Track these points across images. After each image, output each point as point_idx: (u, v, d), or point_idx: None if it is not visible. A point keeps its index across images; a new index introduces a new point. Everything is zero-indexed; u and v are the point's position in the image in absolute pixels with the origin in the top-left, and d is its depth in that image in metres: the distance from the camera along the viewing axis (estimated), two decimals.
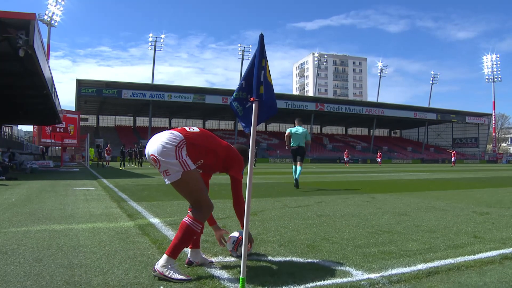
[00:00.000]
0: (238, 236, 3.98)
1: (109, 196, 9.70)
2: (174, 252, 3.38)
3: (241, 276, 3.03)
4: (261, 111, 3.25)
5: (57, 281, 3.24)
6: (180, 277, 3.26)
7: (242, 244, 3.75)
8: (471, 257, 4.06)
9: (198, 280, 3.30)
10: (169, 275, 3.25)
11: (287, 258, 4.00)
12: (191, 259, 3.75)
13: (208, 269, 3.61)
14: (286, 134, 12.86)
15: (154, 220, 6.18)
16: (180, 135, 3.46)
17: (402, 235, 5.24)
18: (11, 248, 4.33)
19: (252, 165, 3.32)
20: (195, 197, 3.48)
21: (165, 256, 3.36)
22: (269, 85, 3.27)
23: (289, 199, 9.28)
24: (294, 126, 12.86)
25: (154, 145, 3.40)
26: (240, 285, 3.01)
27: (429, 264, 3.80)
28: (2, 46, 17.24)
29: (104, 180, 15.85)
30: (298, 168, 12.48)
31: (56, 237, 4.93)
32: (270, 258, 4.02)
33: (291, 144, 12.69)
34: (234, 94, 3.37)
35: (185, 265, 3.74)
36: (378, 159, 58.43)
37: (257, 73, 3.21)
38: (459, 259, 4.00)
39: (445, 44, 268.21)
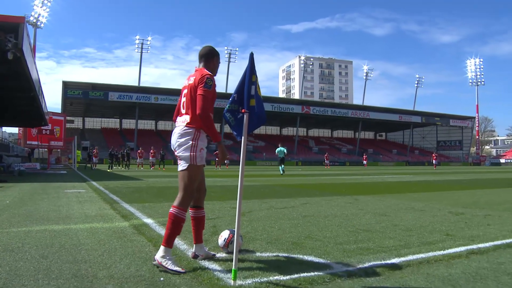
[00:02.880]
0: (229, 234, 4.34)
1: (101, 198, 9.97)
2: (169, 241, 3.83)
3: (233, 268, 3.40)
4: (252, 121, 3.67)
5: (66, 274, 3.57)
6: (176, 268, 3.66)
7: (232, 241, 4.15)
8: (441, 252, 4.49)
9: (193, 272, 3.68)
10: (167, 265, 3.67)
11: (274, 254, 4.38)
12: (196, 253, 4.18)
13: (203, 263, 3.98)
14: (276, 152, 28.10)
15: (148, 221, 6.50)
16: (193, 128, 3.95)
17: (380, 233, 5.65)
18: (16, 247, 4.63)
19: (243, 168, 3.70)
20: (186, 186, 3.95)
21: (162, 247, 3.80)
22: (259, 99, 3.67)
23: (276, 201, 9.66)
24: (279, 147, 27.73)
25: (175, 138, 4.03)
26: (232, 276, 3.37)
27: (403, 259, 4.21)
28: None
29: (94, 183, 16.09)
30: (282, 166, 27.44)
31: (57, 237, 5.24)
32: (258, 254, 4.40)
33: (279, 156, 27.47)
34: (227, 106, 3.78)
35: (191, 258, 4.15)
36: (364, 162, 59.16)
37: (247, 88, 3.62)
38: (430, 254, 4.42)
39: (429, 47, 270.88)
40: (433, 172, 33.27)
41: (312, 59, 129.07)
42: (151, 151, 38.91)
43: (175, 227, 3.86)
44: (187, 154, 3.91)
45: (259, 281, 3.41)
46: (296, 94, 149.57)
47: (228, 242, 4.28)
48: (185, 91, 4.12)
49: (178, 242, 4.85)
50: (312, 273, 3.65)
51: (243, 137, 3.71)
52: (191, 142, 3.91)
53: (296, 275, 3.58)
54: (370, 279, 3.57)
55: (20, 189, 13.02)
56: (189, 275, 3.58)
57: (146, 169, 37.09)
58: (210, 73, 4.04)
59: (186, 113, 4.02)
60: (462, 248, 4.69)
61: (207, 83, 3.89)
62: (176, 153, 3.99)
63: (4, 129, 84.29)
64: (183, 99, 4.15)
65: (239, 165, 3.77)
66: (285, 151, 27.49)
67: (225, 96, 70.18)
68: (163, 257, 3.73)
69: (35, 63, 23.35)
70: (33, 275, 3.55)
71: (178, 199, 3.95)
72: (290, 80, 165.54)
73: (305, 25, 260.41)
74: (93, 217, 6.93)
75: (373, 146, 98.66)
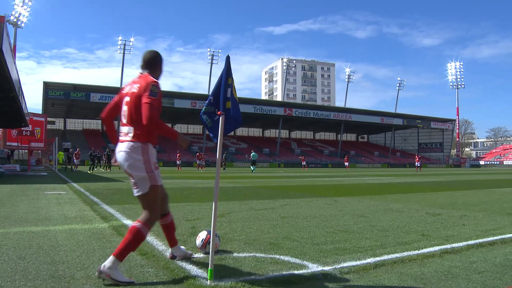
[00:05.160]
0: (207, 234, 4.38)
1: (81, 200, 9.93)
2: (122, 255, 3.56)
3: (209, 268, 3.45)
4: (228, 123, 3.73)
5: (43, 275, 3.59)
6: (125, 280, 3.47)
7: (210, 241, 4.19)
8: (415, 252, 4.60)
9: (171, 272, 3.71)
10: (116, 278, 3.44)
11: (251, 254, 4.45)
12: (174, 254, 4.19)
13: (180, 263, 4.02)
14: (250, 156, 44.27)
15: (128, 222, 6.51)
16: (140, 143, 3.72)
17: (357, 234, 5.75)
18: None
19: (219, 168, 3.76)
20: (150, 208, 3.79)
21: (112, 258, 3.52)
22: (235, 101, 3.73)
23: (256, 202, 9.71)
24: (253, 153, 44.30)
25: (122, 157, 3.77)
26: (208, 275, 3.43)
27: (378, 258, 4.31)
28: None
29: (74, 184, 15.97)
30: (253, 167, 40.45)
31: (35, 238, 5.23)
32: (235, 254, 4.46)
33: (252, 159, 42.19)
34: (203, 108, 3.83)
35: (169, 258, 4.17)
36: (346, 163, 59.50)
37: (223, 90, 3.68)
38: (405, 253, 4.53)
39: (411, 50, 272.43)
40: (414, 174, 33.65)
41: (294, 61, 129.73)
42: None
43: (133, 243, 3.62)
44: (143, 174, 3.71)
45: (235, 281, 3.47)
46: (278, 96, 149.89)
47: (206, 243, 4.33)
48: (127, 98, 3.83)
49: (156, 242, 4.89)
50: (288, 273, 3.72)
51: (219, 139, 3.76)
52: (141, 158, 3.70)
53: (271, 275, 3.64)
54: (345, 279, 3.65)
55: None
56: (166, 275, 3.63)
57: None
58: (155, 80, 3.83)
59: (128, 124, 3.77)
60: (436, 248, 4.81)
61: (153, 90, 3.66)
62: (130, 175, 3.79)
63: None
64: (124, 108, 3.84)
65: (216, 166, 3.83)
66: (257, 156, 43.73)
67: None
68: (110, 268, 3.45)
69: (15, 63, 23.07)
70: (10, 276, 3.56)
71: (145, 216, 3.74)
72: (272, 82, 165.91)
73: (287, 27, 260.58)
74: (72, 219, 6.92)
75: (355, 148, 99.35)
